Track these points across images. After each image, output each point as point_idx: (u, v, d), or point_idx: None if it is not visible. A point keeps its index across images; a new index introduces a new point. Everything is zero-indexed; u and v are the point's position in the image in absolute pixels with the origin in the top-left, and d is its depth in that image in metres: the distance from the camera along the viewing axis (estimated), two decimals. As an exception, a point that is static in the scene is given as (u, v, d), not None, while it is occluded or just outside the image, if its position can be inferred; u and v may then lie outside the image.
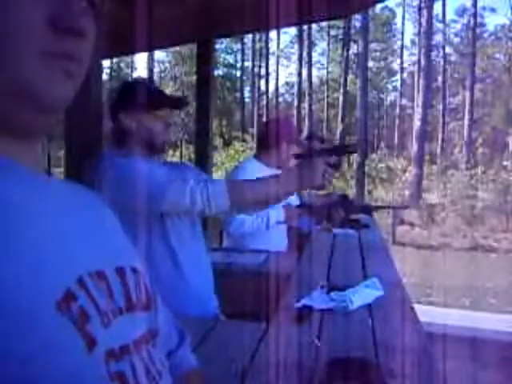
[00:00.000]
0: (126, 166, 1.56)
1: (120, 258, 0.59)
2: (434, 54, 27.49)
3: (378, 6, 34.25)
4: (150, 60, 27.87)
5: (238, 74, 35.33)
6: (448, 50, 34.20)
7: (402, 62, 35.77)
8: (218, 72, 31.90)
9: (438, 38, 31.82)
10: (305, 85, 28.39)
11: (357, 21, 23.97)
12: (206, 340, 1.34)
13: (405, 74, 36.91)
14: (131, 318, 0.55)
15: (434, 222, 14.08)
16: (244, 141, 21.34)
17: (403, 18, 34.95)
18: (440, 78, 30.75)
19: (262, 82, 33.77)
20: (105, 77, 30.17)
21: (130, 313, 0.55)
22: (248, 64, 35.04)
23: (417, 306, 1.81)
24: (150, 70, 28.23)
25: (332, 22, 28.99)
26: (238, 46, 34.49)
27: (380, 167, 18.74)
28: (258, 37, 30.70)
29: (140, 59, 47.19)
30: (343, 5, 3.30)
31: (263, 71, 33.69)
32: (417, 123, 18.42)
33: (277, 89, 34.92)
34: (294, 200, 2.82)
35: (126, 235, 0.67)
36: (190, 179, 1.52)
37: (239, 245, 2.60)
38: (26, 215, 0.47)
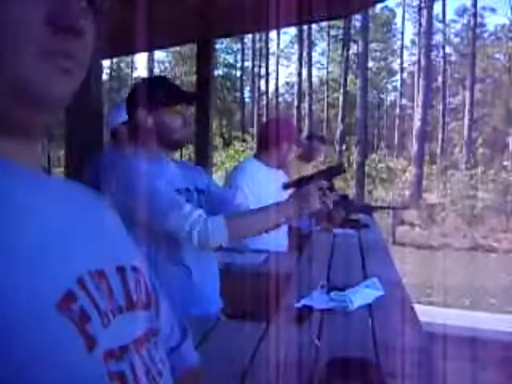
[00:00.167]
0: (131, 173, 1.56)
1: (120, 257, 0.59)
2: (433, 53, 27.51)
3: (378, 6, 34.24)
4: (150, 60, 27.87)
5: (238, 73, 35.35)
6: (448, 50, 34.22)
7: (401, 62, 35.80)
8: (218, 72, 31.91)
9: (438, 37, 31.84)
10: (305, 85, 28.38)
11: (357, 21, 23.98)
12: (206, 340, 1.34)
13: (405, 74, 36.94)
14: (131, 317, 0.55)
15: (434, 222, 14.07)
16: (244, 141, 21.34)
17: (403, 18, 34.98)
18: (440, 78, 30.74)
19: (262, 82, 33.77)
20: (105, 77, 30.19)
21: (131, 312, 0.55)
22: (248, 64, 35.05)
23: (417, 306, 1.81)
24: (150, 70, 28.23)
25: (332, 22, 28.98)
26: (238, 45, 34.49)
27: (380, 167, 18.74)
28: (258, 37, 30.71)
29: (140, 59, 47.22)
30: (343, 5, 3.30)
31: (263, 71, 33.70)
32: (417, 123, 18.42)
33: (277, 89, 34.93)
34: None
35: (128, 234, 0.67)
36: (192, 209, 1.52)
37: (239, 245, 2.60)
38: (26, 215, 0.47)
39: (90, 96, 2.52)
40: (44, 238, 0.48)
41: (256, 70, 33.99)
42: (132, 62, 36.29)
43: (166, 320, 0.71)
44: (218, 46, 29.29)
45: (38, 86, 0.48)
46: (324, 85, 33.85)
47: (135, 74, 37.89)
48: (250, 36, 29.94)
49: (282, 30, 33.25)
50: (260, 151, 2.75)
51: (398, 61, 36.57)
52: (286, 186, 1.98)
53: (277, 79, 35.01)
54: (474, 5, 26.84)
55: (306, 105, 27.64)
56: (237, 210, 1.82)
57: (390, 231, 11.35)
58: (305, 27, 25.33)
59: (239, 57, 35.22)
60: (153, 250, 1.53)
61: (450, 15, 60.41)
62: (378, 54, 37.98)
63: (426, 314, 3.21)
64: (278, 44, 35.89)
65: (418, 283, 6.82)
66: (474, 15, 26.84)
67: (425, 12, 19.58)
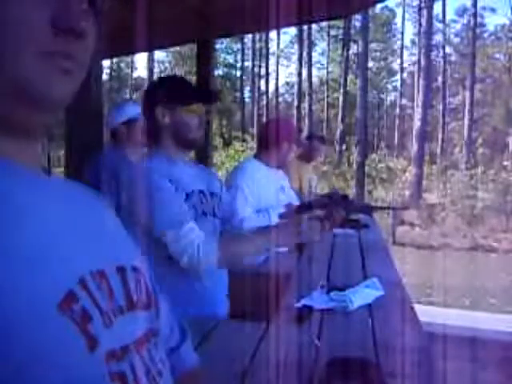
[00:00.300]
0: (137, 178, 1.58)
1: (121, 257, 0.59)
2: (433, 53, 27.50)
3: (378, 6, 34.25)
4: (150, 60, 27.88)
5: (238, 73, 35.35)
6: (448, 50, 34.22)
7: (401, 62, 35.80)
8: (218, 72, 31.91)
9: (438, 37, 31.84)
10: (305, 85, 28.38)
11: (357, 21, 23.97)
12: (206, 340, 1.34)
13: (405, 74, 36.94)
14: (132, 317, 0.55)
15: (434, 222, 14.07)
16: (244, 141, 21.33)
17: (403, 18, 34.98)
18: (440, 78, 30.74)
19: (262, 82, 33.77)
20: (105, 77, 30.20)
21: (131, 312, 0.55)
22: (248, 64, 35.05)
23: (417, 306, 1.81)
24: (150, 70, 28.22)
25: (332, 22, 28.96)
26: (238, 45, 34.48)
27: (380, 167, 18.73)
28: (258, 37, 30.70)
29: (140, 59, 47.19)
30: (343, 5, 3.30)
31: (263, 71, 33.70)
32: (417, 123, 18.42)
33: (277, 89, 34.93)
34: (295, 200, 2.82)
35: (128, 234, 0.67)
36: (189, 231, 1.52)
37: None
38: (26, 215, 0.47)
39: (90, 96, 2.52)
40: (44, 238, 0.48)
41: (256, 69, 33.99)
42: (132, 61, 36.31)
43: (166, 321, 0.71)
44: (218, 46, 29.29)
45: (38, 86, 0.48)
46: (324, 85, 33.86)
47: (135, 74, 37.96)
48: (250, 36, 29.93)
49: (282, 30, 33.27)
50: (260, 151, 2.75)
51: (398, 61, 36.59)
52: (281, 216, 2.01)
53: (277, 79, 35.05)
54: (474, 5, 26.85)
55: (306, 105, 27.63)
56: (238, 230, 1.82)
57: (390, 231, 11.35)
58: (305, 27, 25.33)
59: (239, 57, 35.23)
60: (163, 251, 1.54)
61: (450, 15, 60.43)
62: (378, 53, 37.98)
63: (426, 314, 3.21)
64: (278, 44, 35.94)
65: (417, 283, 6.82)
66: (474, 15, 26.84)
67: (425, 12, 19.58)
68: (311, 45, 30.30)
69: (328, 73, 34.15)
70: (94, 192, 0.66)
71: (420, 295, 6.19)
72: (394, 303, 1.65)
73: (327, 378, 1.00)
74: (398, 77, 37.09)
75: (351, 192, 15.57)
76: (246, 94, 36.62)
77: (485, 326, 3.53)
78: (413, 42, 36.83)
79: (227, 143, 22.60)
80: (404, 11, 34.79)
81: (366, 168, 17.34)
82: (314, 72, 34.20)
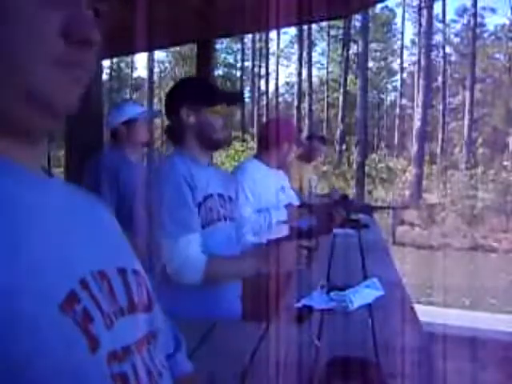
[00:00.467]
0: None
1: (121, 260, 0.59)
2: (433, 53, 27.49)
3: (378, 6, 34.22)
4: (150, 60, 27.84)
5: (238, 74, 35.33)
6: (448, 50, 34.22)
7: (401, 62, 35.77)
8: (218, 72, 31.90)
9: (438, 38, 31.83)
10: (305, 85, 28.37)
11: (357, 21, 23.93)
12: (206, 340, 1.34)
13: (405, 74, 36.92)
14: (133, 319, 0.55)
15: (434, 222, 14.06)
16: (244, 141, 21.31)
17: (403, 18, 34.94)
18: (440, 78, 30.73)
19: (262, 82, 33.76)
20: (105, 77, 30.20)
21: (132, 314, 0.55)
22: (248, 64, 35.03)
23: (417, 306, 1.81)
24: (150, 70, 28.21)
25: (332, 22, 28.96)
26: (238, 45, 34.48)
27: (380, 167, 18.72)
28: (258, 37, 30.69)
29: (140, 59, 47.26)
30: (343, 5, 3.30)
31: (263, 71, 33.68)
32: (417, 123, 18.40)
33: (277, 89, 34.91)
34: (295, 200, 2.82)
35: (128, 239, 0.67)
36: (184, 247, 1.53)
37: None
38: (26, 215, 0.47)
39: (90, 96, 2.52)
40: (45, 239, 0.48)
41: (256, 69, 33.98)
42: (132, 61, 36.32)
43: (162, 327, 0.71)
44: (218, 46, 29.32)
45: (51, 94, 0.49)
46: (324, 85, 33.85)
47: (135, 74, 37.95)
48: (250, 36, 29.93)
49: (282, 30, 33.28)
50: (260, 151, 2.75)
51: (398, 61, 36.57)
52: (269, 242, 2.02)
53: (277, 79, 35.01)
54: (474, 5, 26.83)
55: (306, 105, 27.62)
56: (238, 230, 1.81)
57: (390, 231, 11.34)
58: (305, 27, 25.30)
59: (239, 57, 35.22)
60: None
61: (450, 15, 60.49)
62: (378, 54, 37.97)
63: (426, 314, 3.21)
64: (278, 44, 35.91)
65: (417, 283, 6.82)
66: (474, 15, 26.83)
67: (425, 12, 19.56)
68: (311, 45, 30.29)
69: (328, 73, 34.15)
70: (93, 196, 0.66)
71: (420, 295, 6.19)
72: (394, 303, 1.65)
73: (327, 377, 1.00)
74: (398, 77, 37.08)
75: (351, 192, 15.55)
76: (246, 94, 36.60)
77: (485, 326, 3.53)
78: (413, 42, 36.85)
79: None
80: (404, 11, 34.79)
81: (366, 168, 17.32)
82: (314, 72, 34.24)
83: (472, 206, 14.20)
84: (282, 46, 37.84)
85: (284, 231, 2.83)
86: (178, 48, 25.64)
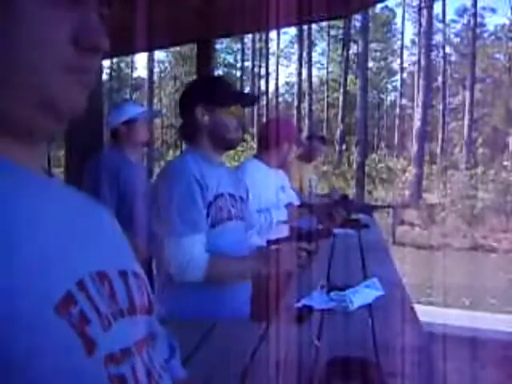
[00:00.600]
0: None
1: (122, 262, 0.59)
2: (433, 53, 27.50)
3: (378, 6, 34.27)
4: (150, 60, 27.83)
5: (238, 74, 35.33)
6: (448, 50, 34.25)
7: (401, 62, 35.78)
8: (218, 72, 31.88)
9: (438, 37, 31.85)
10: (305, 85, 28.37)
11: (357, 21, 23.93)
12: (206, 340, 1.34)
13: (405, 74, 36.92)
14: (133, 320, 0.55)
15: (434, 222, 14.06)
16: (244, 141, 21.29)
17: (403, 18, 34.94)
18: (440, 78, 30.73)
19: (262, 82, 33.76)
20: (105, 77, 30.20)
21: (132, 316, 0.55)
22: (248, 64, 35.02)
23: (417, 306, 1.81)
24: (150, 70, 28.20)
25: (332, 22, 28.97)
26: (238, 45, 34.49)
27: (380, 167, 18.73)
28: (258, 37, 30.68)
29: (140, 59, 47.27)
30: (343, 5, 3.30)
31: (263, 71, 33.68)
32: (417, 123, 18.41)
33: (277, 89, 34.91)
34: (295, 199, 2.82)
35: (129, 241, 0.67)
36: (190, 247, 1.54)
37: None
38: (26, 216, 0.47)
39: (90, 96, 2.52)
40: (43, 240, 0.48)
41: (256, 69, 33.97)
42: (132, 61, 36.31)
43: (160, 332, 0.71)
44: (218, 46, 29.32)
45: (60, 98, 0.50)
46: (324, 85, 33.86)
47: (135, 74, 37.96)
48: (250, 36, 29.94)
49: (282, 30, 33.31)
50: (260, 151, 2.75)
51: (398, 61, 36.58)
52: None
53: (277, 79, 35.02)
54: (474, 5, 26.84)
55: (305, 105, 27.62)
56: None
57: (390, 231, 11.33)
58: (305, 27, 25.31)
59: (239, 57, 35.23)
60: None
61: (450, 15, 60.39)
62: (378, 54, 37.99)
63: (426, 314, 3.22)
64: (278, 44, 35.93)
65: (417, 283, 6.82)
66: (474, 15, 26.83)
67: (425, 12, 19.56)
68: (311, 45, 30.29)
69: (328, 73, 34.16)
70: (94, 199, 0.66)
71: (420, 295, 6.19)
72: (394, 303, 1.65)
73: (327, 377, 1.00)
74: (398, 77, 37.08)
75: (351, 192, 15.55)
76: (246, 94, 36.53)
77: (485, 326, 3.53)
78: (413, 42, 36.88)
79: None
80: (404, 11, 34.78)
81: (366, 168, 17.32)
82: (314, 72, 34.26)
83: (472, 206, 14.20)
84: (282, 46, 37.94)
85: (284, 231, 2.83)
86: (178, 48, 25.64)
